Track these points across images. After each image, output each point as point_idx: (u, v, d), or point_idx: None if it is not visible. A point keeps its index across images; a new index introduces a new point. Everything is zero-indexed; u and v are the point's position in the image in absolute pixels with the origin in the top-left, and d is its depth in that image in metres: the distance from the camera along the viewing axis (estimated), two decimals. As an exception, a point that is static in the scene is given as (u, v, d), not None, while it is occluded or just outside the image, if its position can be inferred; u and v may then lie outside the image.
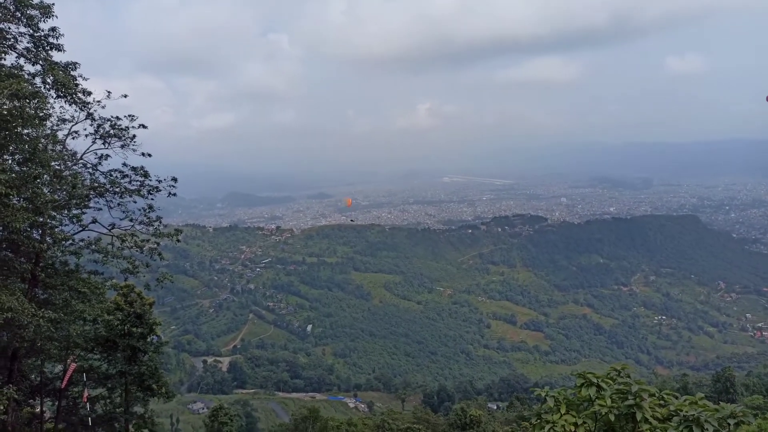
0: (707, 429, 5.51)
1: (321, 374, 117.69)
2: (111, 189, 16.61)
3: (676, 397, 6.31)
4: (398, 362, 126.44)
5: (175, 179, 17.37)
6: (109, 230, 16.87)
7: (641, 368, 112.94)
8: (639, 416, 6.06)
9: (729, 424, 5.57)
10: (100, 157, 16.79)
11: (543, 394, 6.82)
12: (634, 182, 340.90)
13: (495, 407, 76.43)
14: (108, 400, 22.81)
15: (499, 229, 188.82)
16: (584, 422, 6.43)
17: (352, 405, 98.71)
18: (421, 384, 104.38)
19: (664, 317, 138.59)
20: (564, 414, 6.51)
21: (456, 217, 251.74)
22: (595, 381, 6.48)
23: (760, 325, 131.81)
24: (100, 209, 16.99)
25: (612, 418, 6.11)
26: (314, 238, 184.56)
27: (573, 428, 6.38)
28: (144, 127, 16.74)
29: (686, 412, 5.82)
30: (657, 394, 6.46)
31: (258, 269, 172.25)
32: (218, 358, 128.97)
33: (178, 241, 17.96)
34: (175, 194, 17.36)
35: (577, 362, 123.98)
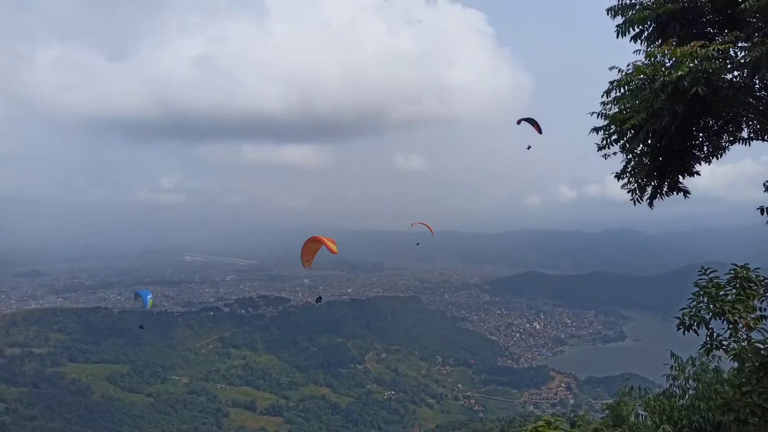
0: None
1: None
2: None
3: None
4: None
5: None
6: None
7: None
8: None
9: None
10: None
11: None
12: (368, 265, 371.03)
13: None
14: None
15: (243, 311, 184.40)
16: None
17: None
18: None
19: (393, 392, 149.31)
20: None
21: (197, 298, 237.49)
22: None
23: (468, 393, 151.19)
24: None
25: None
26: (19, 324, 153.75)
27: None
28: None
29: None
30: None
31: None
32: None
33: None
34: None
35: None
